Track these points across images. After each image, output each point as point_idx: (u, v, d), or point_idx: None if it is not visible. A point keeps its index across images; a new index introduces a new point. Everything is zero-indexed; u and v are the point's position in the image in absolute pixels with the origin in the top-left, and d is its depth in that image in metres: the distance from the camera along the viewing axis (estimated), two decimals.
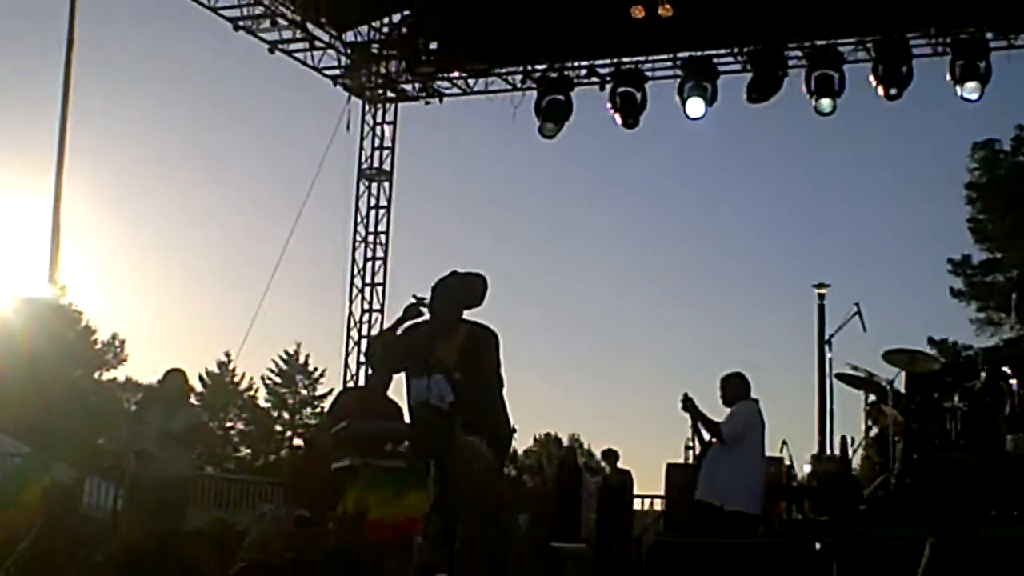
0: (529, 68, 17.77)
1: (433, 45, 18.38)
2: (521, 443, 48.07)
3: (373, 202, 19.42)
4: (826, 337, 14.02)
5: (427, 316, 8.09)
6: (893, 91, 15.58)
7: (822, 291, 14.40)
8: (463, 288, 7.98)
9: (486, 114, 18.45)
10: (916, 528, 10.30)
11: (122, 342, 49.61)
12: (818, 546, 10.29)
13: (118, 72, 72.87)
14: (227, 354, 50.49)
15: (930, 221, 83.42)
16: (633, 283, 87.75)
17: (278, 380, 54.48)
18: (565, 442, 52.96)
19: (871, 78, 15.70)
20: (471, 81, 18.69)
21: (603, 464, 18.54)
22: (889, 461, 12.89)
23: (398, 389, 10.36)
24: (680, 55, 16.71)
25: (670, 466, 13.78)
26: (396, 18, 18.58)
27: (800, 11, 15.61)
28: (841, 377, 13.75)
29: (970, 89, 15.29)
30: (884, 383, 13.29)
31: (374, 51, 18.90)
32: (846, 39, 16.02)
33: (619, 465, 17.84)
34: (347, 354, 19.09)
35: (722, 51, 16.60)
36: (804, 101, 15.99)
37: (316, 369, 52.74)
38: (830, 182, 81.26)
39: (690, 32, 16.39)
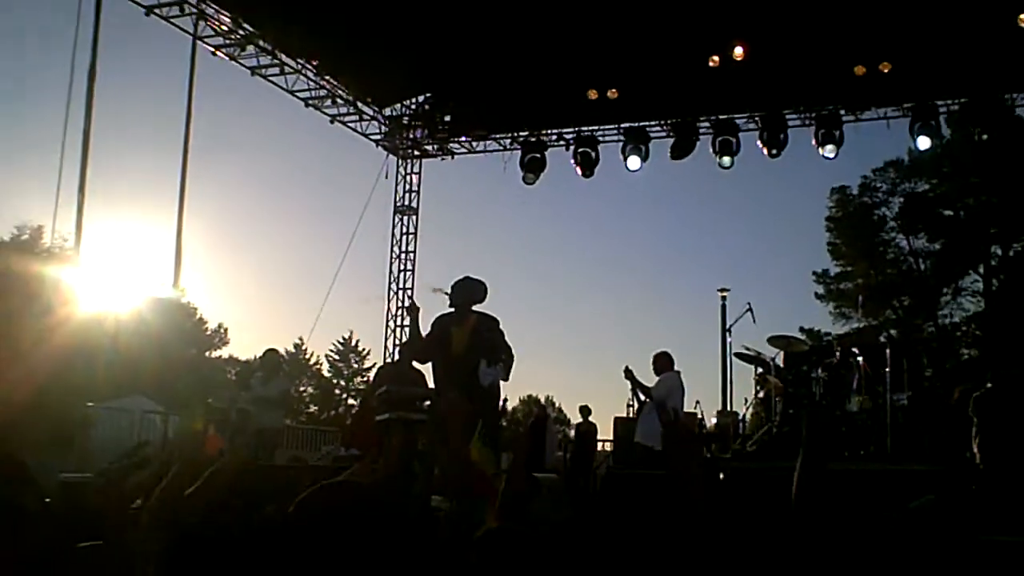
0: (515, 134, 17.77)
1: (447, 118, 18.47)
2: (511, 402, 47.91)
3: (404, 229, 19.39)
4: (727, 327, 14.18)
5: (419, 310, 8.58)
6: (774, 151, 15.66)
7: (724, 294, 14.59)
8: (472, 289, 8.28)
9: (484, 167, 18.55)
10: (790, 462, 10.56)
11: (225, 329, 49.55)
12: (721, 476, 10.46)
13: (224, 132, 72.75)
14: (300, 339, 50.44)
15: (801, 244, 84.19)
16: (591, 286, 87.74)
17: (337, 357, 54.40)
18: (543, 402, 52.79)
19: (758, 142, 15.76)
20: (474, 143, 18.66)
21: (579, 416, 18.56)
22: (772, 415, 13.02)
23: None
24: (622, 125, 16.67)
25: (617, 419, 13.95)
26: (421, 99, 18.55)
27: (707, 94, 15.58)
28: (738, 355, 13.88)
29: (829, 150, 15.41)
30: (768, 360, 13.41)
31: (405, 122, 18.86)
32: (740, 114, 16.06)
33: (591, 419, 17.90)
34: (386, 339, 19.11)
35: (653, 122, 16.58)
36: (711, 158, 16.03)
37: (364, 349, 52.66)
38: (730, 216, 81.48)
39: (630, 109, 16.36)
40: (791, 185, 73.09)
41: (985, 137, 16.85)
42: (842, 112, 15.54)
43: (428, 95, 18.49)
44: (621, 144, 16.63)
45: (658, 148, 16.52)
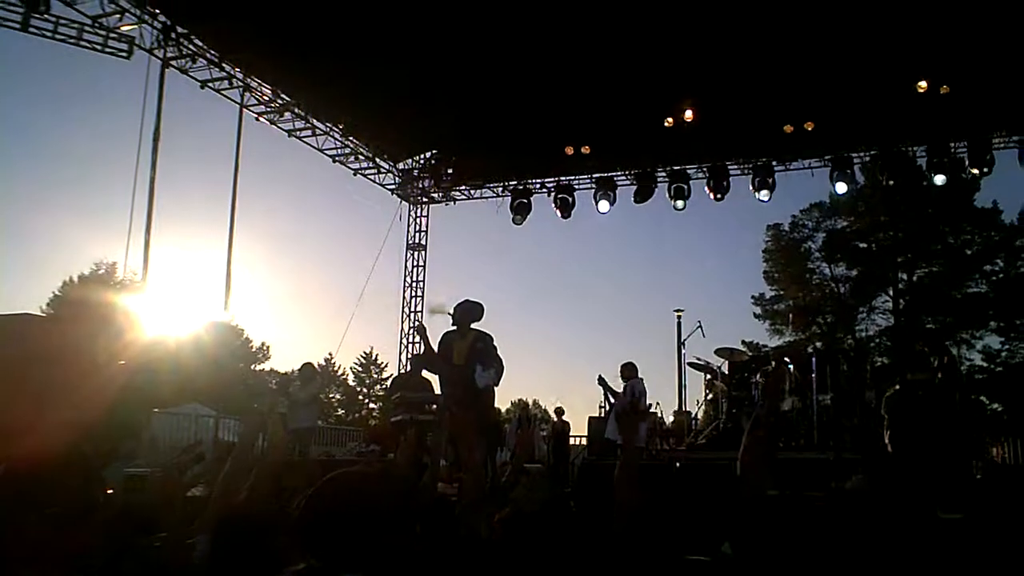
0: (506, 183, 17.77)
1: (450, 171, 18.44)
2: (502, 405, 47.78)
3: (415, 263, 19.36)
4: (681, 341, 14.17)
5: (425, 330, 8.60)
6: (719, 196, 15.68)
7: (679, 313, 14.55)
8: (471, 310, 8.32)
9: (481, 210, 18.50)
10: (734, 453, 10.55)
11: (268, 347, 49.28)
12: (677, 465, 10.45)
13: (265, 183, 72.75)
14: (330, 354, 50.25)
15: (742, 272, 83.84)
16: (569, 308, 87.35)
17: (360, 369, 54.12)
18: (531, 404, 52.68)
19: (706, 188, 15.80)
20: (472, 191, 18.67)
21: (553, 417, 18.55)
22: (719, 414, 13.05)
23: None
24: (594, 175, 16.69)
25: (591, 418, 13.94)
26: (428, 155, 18.56)
27: (664, 149, 15.66)
28: (690, 364, 13.89)
29: (764, 194, 15.45)
30: (716, 368, 13.45)
31: (415, 174, 18.87)
32: (691, 165, 16.08)
33: (564, 418, 17.92)
34: (400, 353, 19.06)
35: (619, 172, 16.59)
36: (667, 202, 16.06)
37: (383, 362, 52.43)
38: (683, 249, 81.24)
39: (600, 162, 16.42)
40: (733, 223, 73.13)
41: (892, 183, 16.93)
42: (774, 163, 15.58)
43: (434, 152, 18.50)
44: (593, 190, 16.65)
45: (623, 193, 16.55)
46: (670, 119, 14.91)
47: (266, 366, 48.89)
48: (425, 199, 19.38)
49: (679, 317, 14.46)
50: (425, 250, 19.48)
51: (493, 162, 17.40)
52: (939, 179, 15.21)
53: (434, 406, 10.94)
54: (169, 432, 17.15)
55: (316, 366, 13.66)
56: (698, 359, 13.75)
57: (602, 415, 12.87)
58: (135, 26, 12.77)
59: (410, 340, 18.83)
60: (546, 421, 19.63)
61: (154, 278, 13.43)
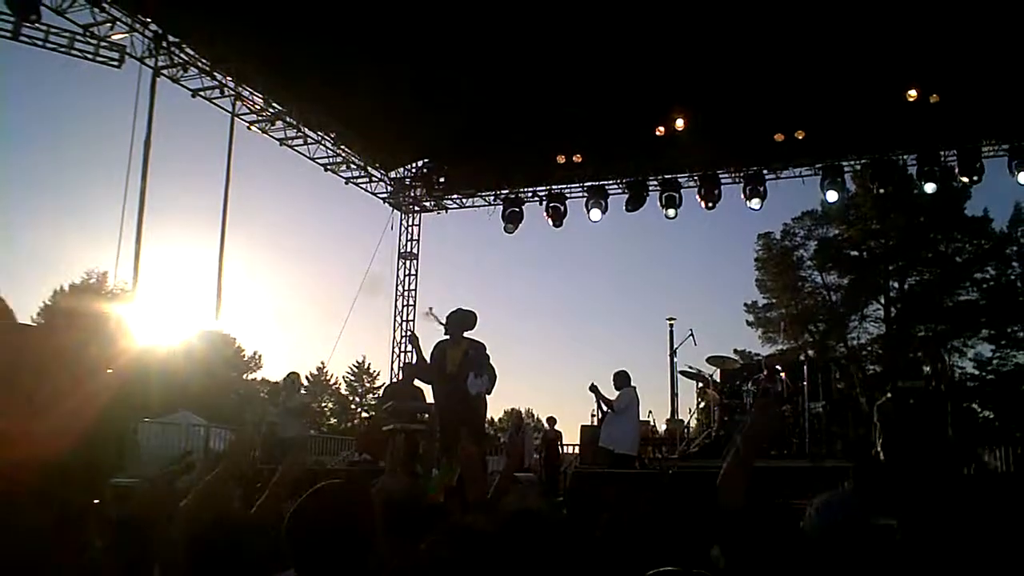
0: (498, 192, 17.76)
1: (442, 180, 18.43)
2: (496, 413, 47.77)
3: (407, 271, 19.32)
4: (673, 349, 14.20)
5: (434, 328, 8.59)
6: (711, 204, 15.63)
7: (671, 322, 14.57)
8: (463, 319, 8.34)
9: (473, 219, 18.45)
10: (725, 461, 10.54)
11: (259, 356, 49.21)
12: (670, 472, 10.44)
13: (257, 191, 72.71)
14: (322, 362, 50.36)
15: (734, 280, 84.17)
16: (561, 316, 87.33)
17: (352, 378, 54.00)
18: (524, 413, 52.67)
19: (697, 197, 15.78)
20: (464, 200, 18.65)
21: (546, 425, 18.55)
22: (711, 422, 13.07)
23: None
24: (586, 184, 16.66)
25: (583, 426, 13.96)
26: (420, 164, 18.53)
27: (655, 158, 15.68)
28: (682, 373, 13.92)
29: (755, 203, 15.42)
30: (708, 376, 13.48)
31: (407, 183, 18.84)
32: (682, 174, 16.08)
33: (556, 427, 17.92)
34: (392, 362, 18.98)
35: (610, 181, 16.59)
36: (659, 210, 16.06)
37: (375, 371, 52.34)
38: (675, 258, 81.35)
39: (592, 170, 16.42)
40: (725, 232, 73.05)
41: (883, 191, 16.99)
42: (765, 171, 15.62)
43: (426, 160, 18.49)
44: (585, 199, 16.62)
45: (615, 202, 16.53)
46: (661, 128, 14.95)
47: (258, 375, 48.79)
48: (417, 208, 19.37)
49: (671, 325, 14.49)
50: (417, 259, 19.47)
51: (485, 171, 17.40)
52: (929, 187, 15.29)
53: (426, 415, 10.95)
54: (160, 440, 17.08)
55: (301, 376, 13.62)
56: (690, 367, 13.78)
57: (594, 423, 12.88)
58: (126, 35, 12.76)
59: (402, 349, 18.81)
60: (539, 430, 19.60)
61: (145, 287, 13.39)
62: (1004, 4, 11.68)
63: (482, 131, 15.68)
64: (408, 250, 19.41)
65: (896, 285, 35.43)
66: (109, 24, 12.52)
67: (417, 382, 10.84)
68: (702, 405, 13.78)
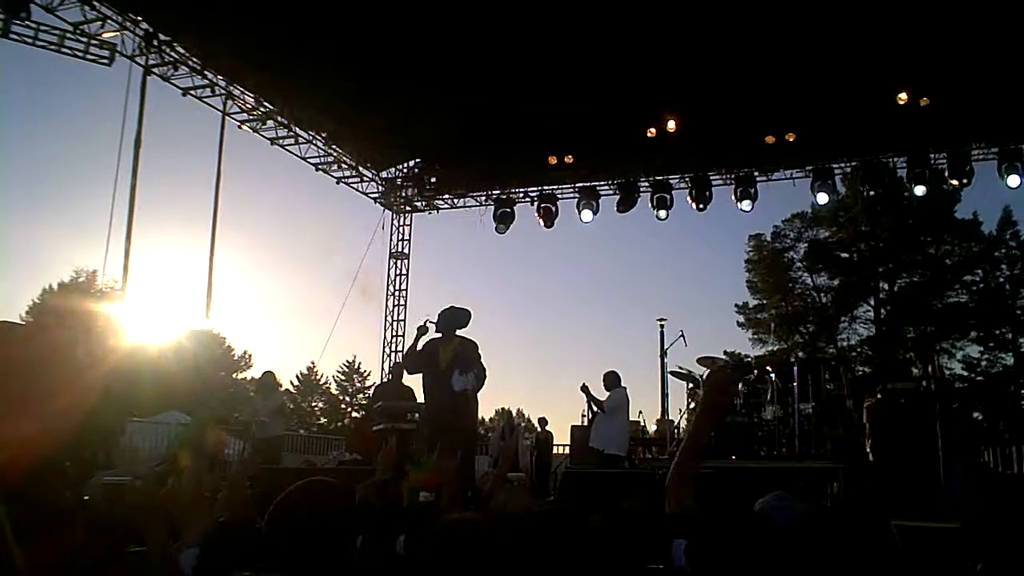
0: (489, 192, 17.75)
1: (433, 180, 18.41)
2: (487, 413, 47.73)
3: (398, 271, 19.31)
4: (664, 350, 14.20)
5: (433, 332, 8.51)
6: (702, 206, 15.67)
7: (661, 323, 14.54)
8: (455, 316, 8.33)
9: (464, 219, 18.43)
10: (717, 462, 10.55)
11: (250, 355, 49.09)
12: (659, 473, 10.42)
13: (248, 191, 72.66)
14: (312, 362, 50.35)
15: (724, 282, 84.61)
16: (552, 317, 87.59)
17: (343, 377, 53.91)
18: (515, 414, 52.70)
19: (688, 198, 15.80)
20: (455, 200, 18.61)
21: (537, 426, 18.58)
22: None
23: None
24: (577, 185, 16.65)
25: (573, 427, 13.90)
26: (411, 164, 18.51)
27: (647, 159, 15.67)
28: (673, 373, 13.87)
29: (745, 204, 15.44)
30: (698, 376, 13.45)
31: (398, 183, 18.81)
32: (674, 175, 16.08)
33: (547, 428, 17.95)
34: (383, 362, 18.92)
35: (602, 182, 16.57)
36: (650, 212, 16.06)
37: (365, 371, 52.28)
38: (666, 259, 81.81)
39: (583, 171, 16.42)
40: (715, 233, 73.57)
41: (872, 193, 17.05)
42: (756, 173, 15.62)
43: (417, 160, 18.46)
44: (576, 200, 16.63)
45: (607, 203, 16.54)
46: (653, 129, 14.96)
47: (248, 375, 48.69)
48: (408, 208, 19.34)
49: (662, 326, 14.47)
50: (408, 258, 19.45)
51: (476, 171, 17.38)
52: (919, 190, 15.35)
53: (416, 415, 10.93)
54: (149, 441, 17.02)
55: (276, 376, 13.55)
56: (680, 368, 13.75)
57: (585, 423, 12.88)
58: (117, 33, 12.72)
59: (393, 349, 18.80)
60: (530, 430, 19.63)
61: (134, 286, 13.37)
62: (994, 7, 11.72)
63: (473, 131, 15.66)
64: (399, 250, 19.40)
65: (886, 287, 35.59)
66: (99, 22, 12.48)
67: (407, 380, 10.85)
68: (692, 405, 13.75)
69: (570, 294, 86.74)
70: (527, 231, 19.30)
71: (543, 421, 18.18)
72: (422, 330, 8.76)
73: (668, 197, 15.99)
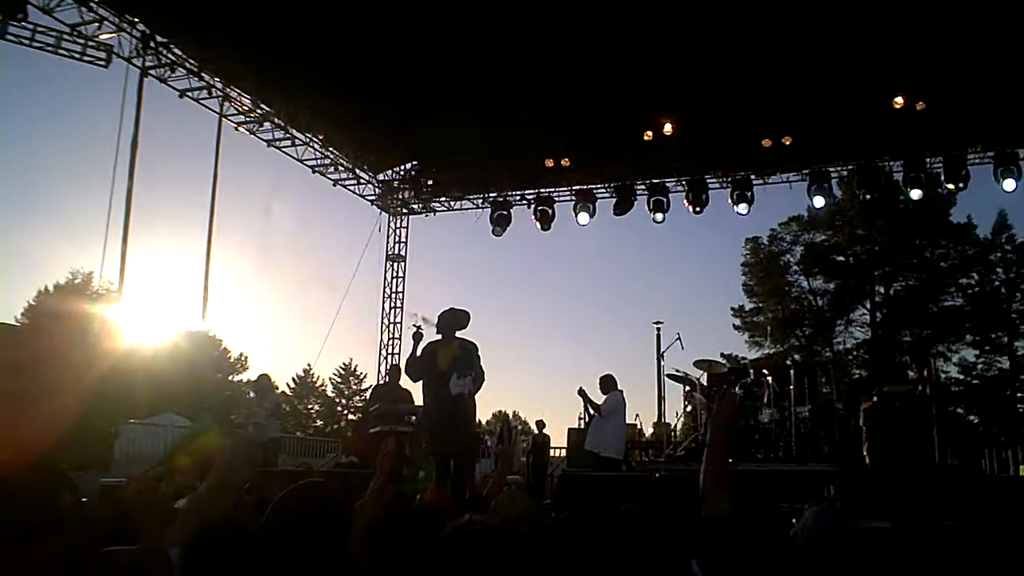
0: (486, 195, 17.77)
1: (430, 182, 18.47)
2: (483, 416, 47.75)
3: (394, 274, 19.32)
4: (661, 353, 14.16)
5: (426, 330, 8.54)
6: (698, 209, 15.70)
7: (658, 326, 14.46)
8: (455, 318, 8.30)
9: (460, 222, 18.42)
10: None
11: (246, 357, 49.06)
12: (657, 476, 10.42)
13: (244, 192, 72.57)
14: (308, 364, 50.38)
15: (721, 285, 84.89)
16: (549, 320, 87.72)
17: (339, 380, 53.95)
18: (511, 416, 52.76)
19: (685, 201, 15.84)
20: (452, 203, 18.65)
21: (534, 429, 18.59)
22: (698, 425, 13.05)
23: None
24: (574, 188, 16.67)
25: (570, 429, 13.94)
26: (408, 166, 18.53)
27: (643, 162, 15.70)
28: (669, 376, 13.87)
29: (742, 207, 15.42)
30: (695, 379, 13.46)
31: (395, 185, 18.83)
32: (670, 178, 16.12)
33: (544, 431, 17.94)
34: (379, 364, 18.93)
35: (598, 185, 16.60)
36: (646, 215, 16.07)
37: (362, 373, 52.29)
38: (663, 262, 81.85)
39: (580, 174, 16.45)
40: (712, 236, 73.50)
41: (868, 197, 17.05)
42: (753, 176, 15.65)
43: (414, 163, 18.49)
44: (573, 203, 16.64)
45: (603, 206, 16.56)
46: (649, 133, 14.95)
47: (244, 377, 48.66)
48: (405, 210, 19.35)
49: (658, 329, 14.41)
50: (405, 261, 19.46)
51: (473, 174, 17.40)
52: (915, 194, 15.35)
53: (413, 417, 10.91)
54: (146, 443, 17.00)
55: (270, 376, 13.55)
56: (677, 371, 13.76)
57: (581, 426, 12.88)
58: (114, 35, 12.71)
59: (390, 351, 18.79)
60: (527, 433, 19.61)
61: (131, 288, 13.34)
62: (991, 12, 11.74)
63: (470, 134, 15.64)
64: (396, 252, 19.39)
65: (882, 290, 35.65)
66: (96, 23, 12.46)
67: (405, 383, 10.83)
68: (689, 409, 13.76)
69: (566, 297, 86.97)
70: (524, 234, 19.32)
71: (540, 424, 18.22)
72: (417, 336, 8.74)
73: (664, 200, 16.00)
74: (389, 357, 18.69)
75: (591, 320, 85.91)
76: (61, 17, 12.13)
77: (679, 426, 14.43)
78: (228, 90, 14.61)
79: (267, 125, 15.64)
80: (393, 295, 19.24)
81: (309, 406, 53.33)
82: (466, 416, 8.23)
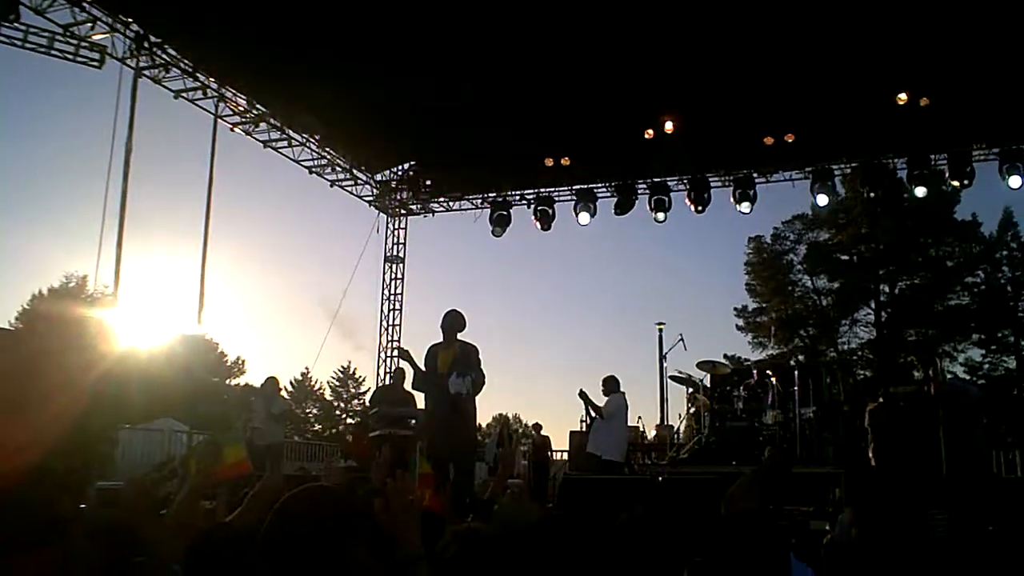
0: (485, 195, 17.79)
1: (428, 182, 18.47)
2: (483, 419, 47.75)
3: (393, 275, 19.32)
4: (663, 354, 14.20)
5: (409, 352, 8.54)
6: (700, 208, 15.71)
7: (660, 327, 14.52)
8: (456, 319, 8.33)
9: (459, 222, 18.44)
10: (717, 468, 10.55)
11: (243, 361, 49.08)
12: (659, 479, 10.42)
13: (241, 194, 72.59)
14: (307, 368, 50.42)
15: (723, 285, 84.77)
16: (550, 321, 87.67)
17: (337, 383, 54.07)
18: (512, 419, 52.75)
19: (687, 200, 15.85)
20: (451, 203, 18.66)
21: (533, 432, 18.59)
22: (701, 428, 13.07)
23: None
24: (574, 187, 16.67)
25: (572, 432, 13.99)
26: (406, 166, 18.54)
27: (644, 161, 15.62)
28: (672, 378, 13.92)
29: (745, 206, 15.45)
30: (698, 381, 13.48)
31: (393, 186, 18.83)
32: (672, 177, 16.13)
33: (543, 433, 17.95)
34: (378, 367, 18.97)
35: (599, 185, 16.61)
36: (648, 214, 16.09)
37: (360, 376, 52.37)
38: (665, 262, 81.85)
39: (580, 174, 16.42)
40: (714, 236, 73.53)
41: (872, 195, 17.06)
42: (755, 175, 15.67)
43: (412, 163, 18.49)
44: (573, 203, 16.64)
45: (604, 206, 16.57)
46: (650, 131, 14.96)
47: (241, 380, 48.71)
48: (403, 211, 19.37)
49: (660, 330, 14.46)
50: (403, 263, 19.48)
51: (472, 173, 17.40)
52: (920, 191, 15.36)
53: (413, 421, 10.92)
54: (143, 448, 17.00)
55: (279, 381, 13.60)
56: (680, 372, 13.79)
57: (583, 429, 12.89)
58: (107, 35, 12.70)
59: (389, 354, 18.80)
60: (527, 436, 19.62)
61: (126, 291, 13.33)
62: (995, 9, 11.75)
63: (469, 133, 15.65)
64: (394, 253, 19.41)
65: (886, 289, 35.65)
66: (90, 24, 12.45)
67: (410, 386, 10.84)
68: (692, 410, 13.78)
69: (567, 297, 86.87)
70: (524, 234, 19.31)
71: (537, 427, 18.18)
72: (406, 355, 8.75)
73: (666, 199, 16.02)
74: (388, 360, 18.70)
75: (592, 321, 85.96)
76: (54, 17, 12.12)
77: (682, 428, 14.45)
78: (223, 90, 14.62)
79: (263, 126, 15.65)
80: (392, 297, 19.25)
81: (307, 410, 53.38)
82: (466, 418, 8.25)
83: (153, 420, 19.49)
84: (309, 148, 16.73)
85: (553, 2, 12.20)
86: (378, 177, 18.73)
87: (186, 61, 13.77)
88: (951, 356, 33.78)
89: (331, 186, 17.94)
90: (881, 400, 10.03)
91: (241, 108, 15.10)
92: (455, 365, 8.11)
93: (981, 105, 13.41)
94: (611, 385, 11.63)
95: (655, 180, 16.17)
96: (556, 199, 17.07)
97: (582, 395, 11.74)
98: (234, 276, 69.53)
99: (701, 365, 13.53)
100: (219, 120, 14.87)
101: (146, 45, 13.05)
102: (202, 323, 15.58)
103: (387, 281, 19.33)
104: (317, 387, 53.88)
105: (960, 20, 11.94)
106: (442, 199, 18.78)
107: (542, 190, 17.12)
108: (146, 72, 13.35)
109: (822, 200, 15.92)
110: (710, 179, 15.92)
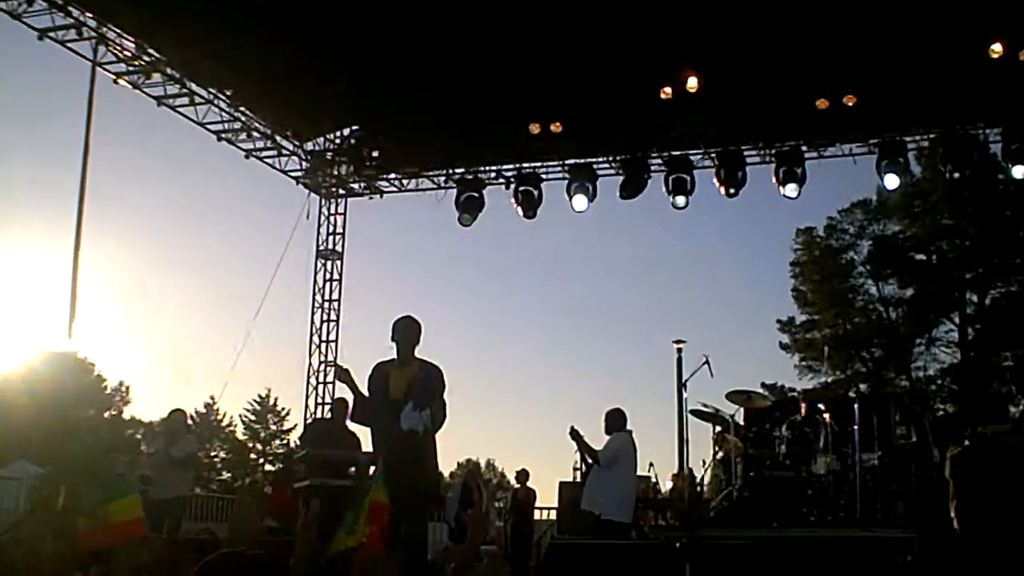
0: (450, 171, 17.78)
1: (375, 153, 18.40)
2: (447, 467, 47.73)
3: (328, 276, 19.32)
4: (683, 381, 14.21)
5: (348, 371, 8.41)
6: (732, 190, 15.70)
7: (679, 346, 14.48)
8: (412, 329, 8.21)
9: (416, 207, 18.48)
10: (753, 531, 10.58)
11: (127, 387, 48.92)
12: (677, 545, 10.47)
13: (127, 168, 72.23)
14: (212, 397, 50.09)
15: (763, 291, 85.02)
16: (535, 337, 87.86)
17: (253, 418, 53.97)
18: (484, 466, 52.87)
19: (715, 180, 15.81)
20: (405, 181, 18.68)
21: (513, 482, 18.62)
22: (732, 478, 13.07)
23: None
24: (567, 161, 16.69)
25: (562, 483, 13.98)
26: (346, 132, 18.52)
27: (659, 128, 15.71)
28: (694, 412, 13.88)
29: (790, 189, 15.45)
30: (727, 417, 13.48)
31: (328, 157, 18.82)
32: (695, 150, 16.15)
33: (528, 484, 17.93)
34: (307, 396, 18.92)
35: (600, 159, 16.62)
36: (664, 198, 16.04)
37: (283, 408, 52.29)
38: (686, 260, 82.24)
39: (575, 143, 16.45)
40: (751, 227, 73.71)
41: (957, 175, 17.19)
42: (804, 148, 15.72)
43: (354, 128, 18.48)
44: (566, 182, 16.65)
45: (606, 186, 16.58)
46: (668, 89, 14.99)
47: (125, 413, 48.52)
48: (342, 191, 19.42)
49: (680, 350, 14.39)
50: (342, 259, 19.51)
51: (433, 142, 17.38)
52: (1018, 171, 15.46)
53: (352, 469, 10.84)
54: None
55: (190, 415, 13.56)
56: (704, 406, 13.76)
57: (577, 479, 12.89)
58: None
59: (320, 380, 18.77)
60: (503, 488, 19.65)
61: None
62: None
63: (430, 91, 15.63)
64: (330, 247, 19.46)
65: (975, 299, 35.87)
66: None
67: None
68: (720, 455, 13.79)
69: (557, 307, 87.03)
70: (501, 222, 19.37)
71: (522, 475, 18.17)
72: (344, 374, 8.56)
73: (688, 179, 16.02)
74: (319, 387, 18.66)
75: (590, 339, 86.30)
76: None
77: (707, 479, 14.45)
78: (104, 30, 14.53)
79: (156, 77, 15.58)
80: (326, 304, 19.28)
81: (212, 453, 53.13)
82: (421, 460, 8.14)
83: (7, 464, 19.39)
84: (217, 107, 16.72)
85: None
86: (309, 146, 18.74)
87: None
88: None
89: (246, 157, 17.96)
90: (967, 443, 10.12)
91: (128, 54, 15.03)
92: (413, 393, 7.98)
93: None
94: (614, 422, 11.63)
95: (673, 154, 16.23)
96: (544, 177, 17.10)
97: (574, 434, 11.72)
98: (117, 277, 68.86)
99: (731, 396, 13.53)
100: (99, 69, 14.79)
101: None
102: (73, 337, 15.46)
103: (320, 284, 19.35)
104: (226, 423, 53.68)
105: None
106: (392, 176, 18.81)
107: (525, 165, 17.15)
108: (2, 5, 13.28)
109: (892, 182, 16.01)
110: (745, 153, 15.99)
